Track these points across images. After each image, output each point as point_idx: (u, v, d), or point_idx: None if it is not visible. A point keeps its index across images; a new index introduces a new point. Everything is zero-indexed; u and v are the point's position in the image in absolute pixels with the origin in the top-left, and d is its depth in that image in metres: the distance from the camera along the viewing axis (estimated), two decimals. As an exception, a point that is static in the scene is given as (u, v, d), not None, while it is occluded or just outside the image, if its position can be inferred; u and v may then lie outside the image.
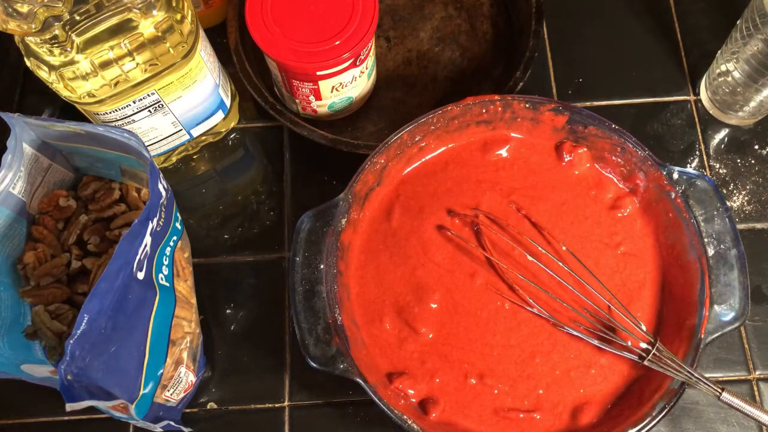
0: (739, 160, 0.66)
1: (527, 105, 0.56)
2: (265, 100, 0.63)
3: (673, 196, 0.53)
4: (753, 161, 0.66)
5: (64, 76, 0.50)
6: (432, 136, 0.57)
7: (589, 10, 0.72)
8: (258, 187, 0.66)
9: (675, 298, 0.53)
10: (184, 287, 0.56)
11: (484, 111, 0.56)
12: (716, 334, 0.50)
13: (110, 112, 0.55)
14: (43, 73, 0.50)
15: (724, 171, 0.66)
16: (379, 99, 0.68)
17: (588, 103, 0.68)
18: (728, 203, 0.64)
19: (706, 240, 0.52)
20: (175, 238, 0.54)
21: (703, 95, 0.68)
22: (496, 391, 0.52)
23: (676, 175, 0.54)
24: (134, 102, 0.55)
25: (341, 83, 0.60)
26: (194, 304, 0.57)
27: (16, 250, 0.56)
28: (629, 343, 0.52)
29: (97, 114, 0.55)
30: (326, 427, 0.58)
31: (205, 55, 0.57)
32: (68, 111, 0.58)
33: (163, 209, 0.50)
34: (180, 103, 0.58)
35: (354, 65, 0.58)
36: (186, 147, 0.65)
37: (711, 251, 0.52)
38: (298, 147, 0.67)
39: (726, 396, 0.49)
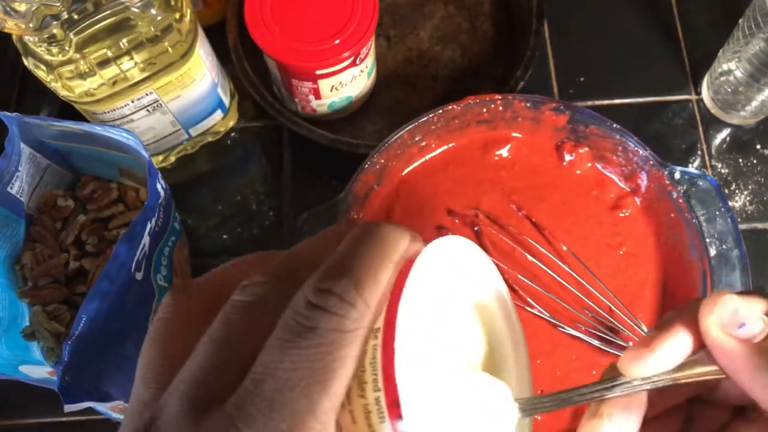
0: (741, 160, 0.66)
1: (528, 104, 0.55)
2: (264, 100, 0.63)
3: (674, 196, 0.53)
4: (755, 161, 0.66)
5: (63, 75, 0.50)
6: (432, 135, 0.56)
7: (590, 9, 0.72)
8: (257, 187, 0.65)
9: (677, 299, 0.53)
10: (183, 288, 0.55)
11: (484, 110, 0.56)
12: (718, 335, 0.50)
13: (108, 112, 0.54)
14: (41, 73, 0.50)
15: (726, 171, 0.65)
16: (379, 98, 0.68)
17: (589, 103, 0.68)
18: (730, 203, 0.64)
19: (707, 240, 0.52)
20: (173, 238, 0.54)
21: (705, 95, 0.67)
22: (496, 392, 0.52)
23: (677, 175, 0.53)
24: (132, 101, 0.54)
25: (341, 82, 0.59)
26: (193, 304, 0.57)
27: (15, 251, 0.55)
28: (630, 344, 0.51)
29: (96, 113, 0.54)
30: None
31: (203, 54, 0.56)
32: (67, 110, 0.58)
33: (162, 209, 0.50)
34: (178, 103, 0.57)
35: (354, 64, 0.58)
36: (185, 146, 0.64)
37: (713, 251, 0.52)
38: (298, 147, 0.66)
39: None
